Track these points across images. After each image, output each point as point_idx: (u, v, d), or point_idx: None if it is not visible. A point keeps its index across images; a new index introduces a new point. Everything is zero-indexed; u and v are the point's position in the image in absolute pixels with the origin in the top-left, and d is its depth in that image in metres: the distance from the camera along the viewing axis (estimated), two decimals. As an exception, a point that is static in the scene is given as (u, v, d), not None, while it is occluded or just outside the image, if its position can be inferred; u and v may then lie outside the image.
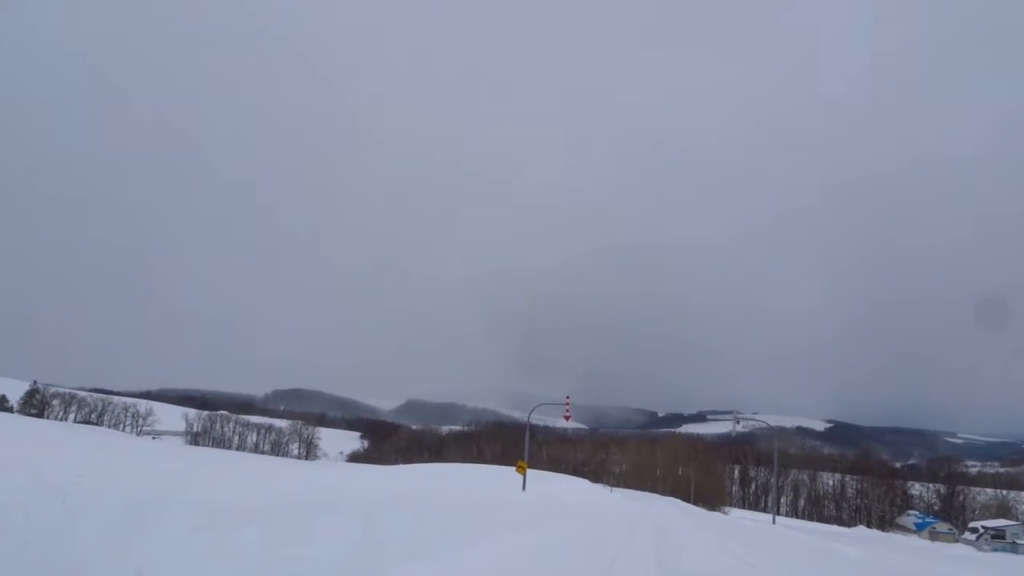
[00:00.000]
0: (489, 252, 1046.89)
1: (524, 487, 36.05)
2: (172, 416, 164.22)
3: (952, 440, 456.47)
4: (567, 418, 40.23)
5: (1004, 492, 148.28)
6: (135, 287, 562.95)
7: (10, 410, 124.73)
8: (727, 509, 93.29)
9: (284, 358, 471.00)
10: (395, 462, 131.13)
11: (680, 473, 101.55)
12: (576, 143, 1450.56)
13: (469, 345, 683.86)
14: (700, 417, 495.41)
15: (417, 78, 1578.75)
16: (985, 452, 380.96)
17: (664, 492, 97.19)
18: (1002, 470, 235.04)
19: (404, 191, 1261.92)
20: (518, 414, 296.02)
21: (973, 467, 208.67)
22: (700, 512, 49.78)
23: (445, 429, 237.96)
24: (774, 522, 33.77)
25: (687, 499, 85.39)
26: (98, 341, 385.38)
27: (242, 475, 10.05)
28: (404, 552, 10.10)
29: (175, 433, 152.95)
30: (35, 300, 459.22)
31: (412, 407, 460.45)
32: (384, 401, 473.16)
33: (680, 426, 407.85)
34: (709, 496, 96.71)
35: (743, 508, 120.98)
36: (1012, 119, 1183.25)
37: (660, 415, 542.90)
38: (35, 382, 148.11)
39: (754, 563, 15.42)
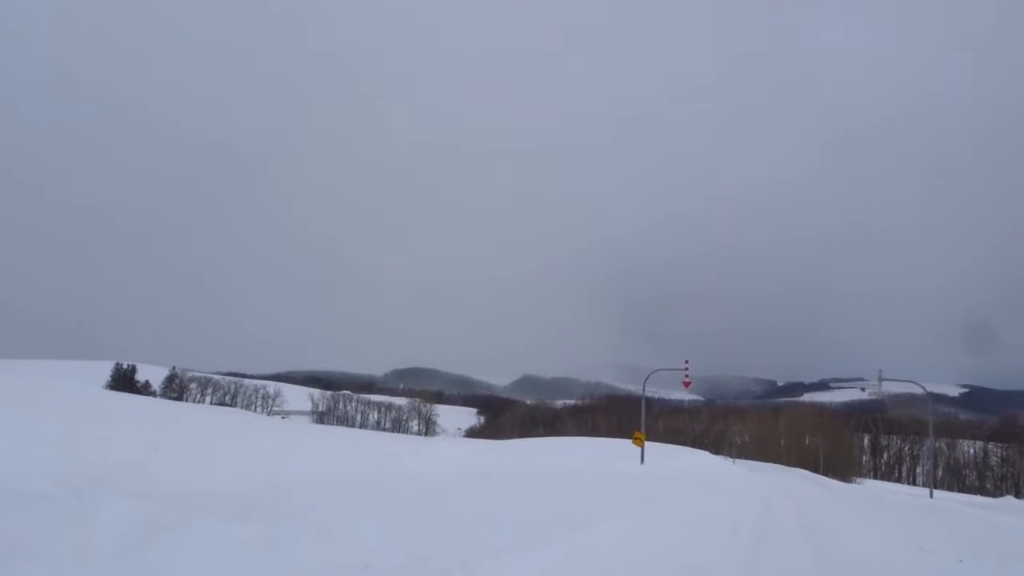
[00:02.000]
0: (597, 223, 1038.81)
1: (642, 460, 35.27)
2: (299, 396, 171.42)
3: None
4: (687, 384, 38.83)
5: None
6: (265, 277, 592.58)
7: (153, 394, 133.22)
8: (859, 480, 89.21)
9: (403, 338, 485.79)
10: (510, 437, 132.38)
11: (807, 443, 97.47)
12: (683, 94, 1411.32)
13: (580, 319, 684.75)
14: (822, 385, 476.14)
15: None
16: None
17: (789, 463, 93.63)
18: None
19: (508, 166, 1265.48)
20: (632, 387, 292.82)
21: None
22: (835, 484, 47.39)
23: (559, 403, 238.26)
24: (931, 495, 31.49)
25: (815, 470, 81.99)
26: (231, 328, 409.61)
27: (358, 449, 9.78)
28: (493, 544, 8.28)
29: (302, 413, 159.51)
30: (174, 291, 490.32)
31: (526, 382, 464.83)
32: (499, 377, 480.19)
33: (801, 395, 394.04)
34: (838, 467, 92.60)
35: (875, 479, 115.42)
36: None
37: (780, 384, 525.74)
38: (174, 367, 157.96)
39: (929, 549, 13.84)
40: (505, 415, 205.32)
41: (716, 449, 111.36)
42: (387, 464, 8.53)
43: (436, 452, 11.64)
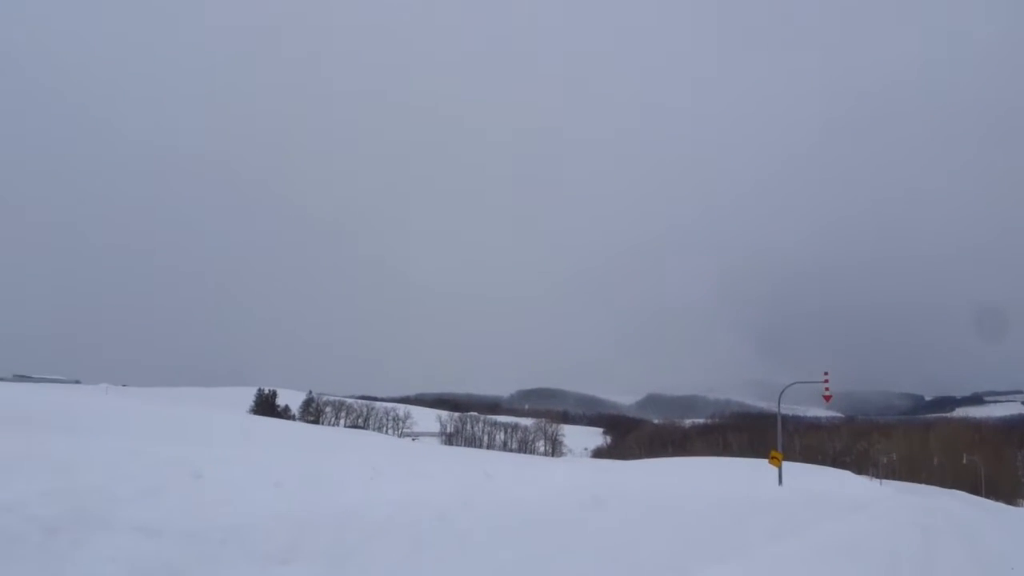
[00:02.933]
0: (728, 237, 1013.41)
1: (780, 481, 32.76)
2: (427, 418, 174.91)
3: None
4: (827, 398, 35.83)
5: None
6: (396, 303, 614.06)
7: (292, 418, 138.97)
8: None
9: (528, 359, 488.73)
10: (637, 457, 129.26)
11: (964, 462, 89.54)
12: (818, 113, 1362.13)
13: (708, 335, 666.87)
14: (976, 399, 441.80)
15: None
16: None
17: (943, 484, 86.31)
18: None
19: (644, 186, 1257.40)
20: (764, 404, 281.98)
21: None
22: (1002, 508, 42.72)
23: (687, 422, 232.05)
24: None
25: (974, 492, 75.06)
26: (365, 353, 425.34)
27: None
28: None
29: (431, 434, 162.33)
30: (310, 319, 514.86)
31: (652, 401, 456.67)
32: (625, 396, 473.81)
33: (952, 410, 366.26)
34: (1001, 488, 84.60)
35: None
36: None
37: (927, 399, 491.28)
38: (311, 392, 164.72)
39: None
40: (631, 434, 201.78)
41: (859, 469, 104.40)
42: (477, 488, 7.23)
43: (541, 474, 10.29)
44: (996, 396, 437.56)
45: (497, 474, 7.94)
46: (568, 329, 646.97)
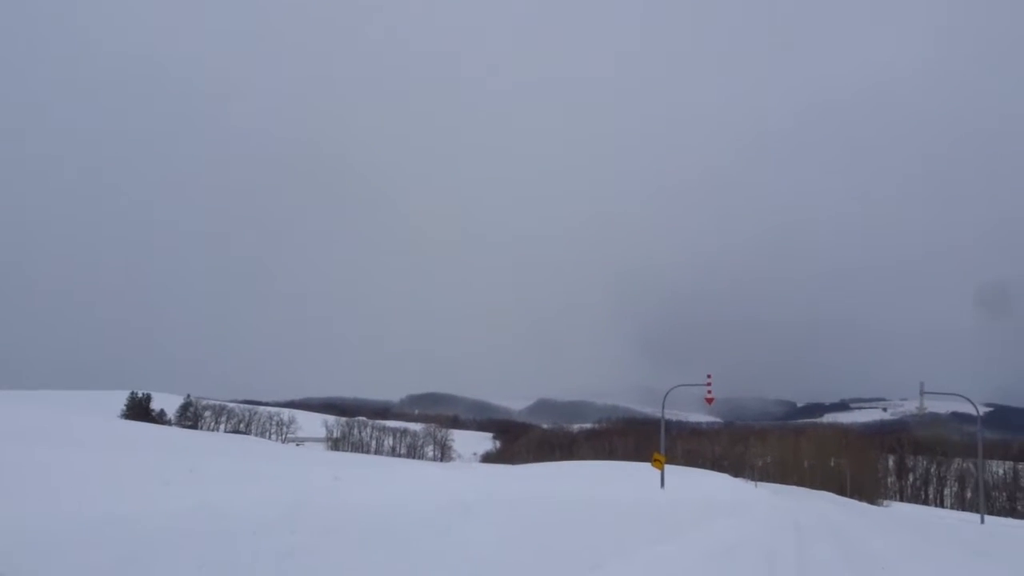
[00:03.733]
0: (617, 248, 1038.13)
1: (663, 484, 33.24)
2: (313, 423, 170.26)
3: None
4: (709, 400, 36.72)
5: None
6: (280, 302, 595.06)
7: (168, 422, 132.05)
8: (886, 503, 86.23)
9: (420, 364, 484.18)
10: (526, 461, 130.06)
11: (832, 465, 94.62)
12: (709, 130, 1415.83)
13: (598, 342, 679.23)
14: (843, 406, 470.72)
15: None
16: None
17: (812, 486, 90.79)
18: None
19: (534, 189, 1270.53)
20: (650, 409, 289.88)
21: None
22: (867, 508, 45.03)
23: (576, 427, 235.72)
24: (983, 520, 29.23)
25: (840, 493, 79.24)
26: (247, 356, 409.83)
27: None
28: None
29: (317, 440, 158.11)
30: (187, 318, 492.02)
31: (542, 406, 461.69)
32: (515, 401, 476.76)
33: (821, 416, 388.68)
34: (865, 489, 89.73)
35: (901, 501, 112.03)
36: None
37: (799, 405, 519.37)
38: (188, 395, 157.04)
39: None
40: (521, 439, 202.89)
41: (736, 472, 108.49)
42: (310, 494, 6.20)
43: (398, 478, 9.43)
44: (861, 403, 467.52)
45: (350, 478, 7.07)
46: (460, 334, 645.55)
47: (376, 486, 7.24)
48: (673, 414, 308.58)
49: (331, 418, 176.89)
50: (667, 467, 39.00)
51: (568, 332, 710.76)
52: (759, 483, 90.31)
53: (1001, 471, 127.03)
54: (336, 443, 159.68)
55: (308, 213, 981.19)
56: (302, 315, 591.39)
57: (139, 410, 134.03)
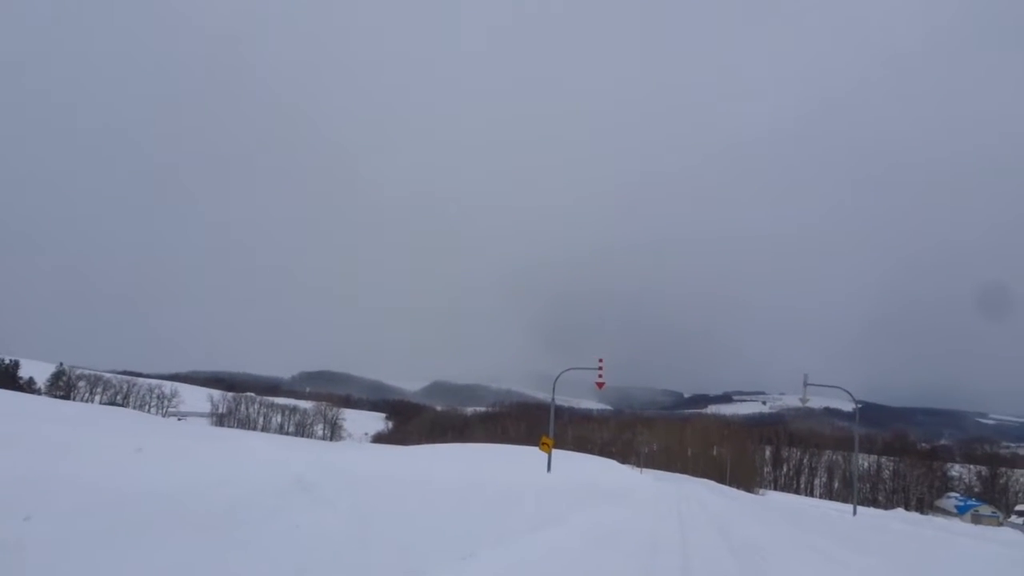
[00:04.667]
0: (518, 241, 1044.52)
1: (549, 468, 33.04)
2: (198, 398, 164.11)
3: (984, 421, 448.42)
4: (600, 384, 36.79)
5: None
6: (166, 270, 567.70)
7: (37, 392, 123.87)
8: (762, 491, 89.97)
9: (312, 341, 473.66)
10: (418, 443, 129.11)
11: (713, 454, 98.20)
12: (603, 139, 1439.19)
13: (495, 328, 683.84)
14: (726, 398, 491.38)
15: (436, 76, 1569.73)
16: (1019, 433, 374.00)
17: (695, 473, 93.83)
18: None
19: (432, 178, 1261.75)
20: (543, 395, 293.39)
21: (1008, 448, 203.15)
22: (743, 495, 46.52)
23: (469, 410, 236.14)
24: (855, 512, 30.42)
25: (719, 480, 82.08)
26: (127, 324, 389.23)
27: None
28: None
29: (200, 415, 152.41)
30: (62, 281, 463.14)
31: (437, 389, 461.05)
32: (410, 383, 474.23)
33: (706, 407, 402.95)
34: (742, 478, 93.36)
35: (775, 490, 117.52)
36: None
37: (686, 396, 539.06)
38: (61, 364, 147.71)
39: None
40: (414, 421, 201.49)
41: (623, 458, 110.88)
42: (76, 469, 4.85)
43: (231, 451, 8.18)
44: (743, 396, 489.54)
45: (154, 449, 5.86)
46: (358, 314, 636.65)
47: (195, 460, 6.04)
48: (565, 400, 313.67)
49: (217, 393, 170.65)
50: (556, 452, 38.94)
51: (467, 317, 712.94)
52: (644, 469, 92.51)
53: (866, 464, 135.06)
54: (221, 419, 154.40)
55: (205, 175, 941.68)
56: (191, 285, 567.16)
57: (6, 378, 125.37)
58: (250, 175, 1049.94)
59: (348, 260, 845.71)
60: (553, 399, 37.01)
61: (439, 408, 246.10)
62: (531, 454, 47.03)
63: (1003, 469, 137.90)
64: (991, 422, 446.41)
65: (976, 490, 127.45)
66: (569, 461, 50.44)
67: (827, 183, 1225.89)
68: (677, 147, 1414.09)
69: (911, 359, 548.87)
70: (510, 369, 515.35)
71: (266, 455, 7.49)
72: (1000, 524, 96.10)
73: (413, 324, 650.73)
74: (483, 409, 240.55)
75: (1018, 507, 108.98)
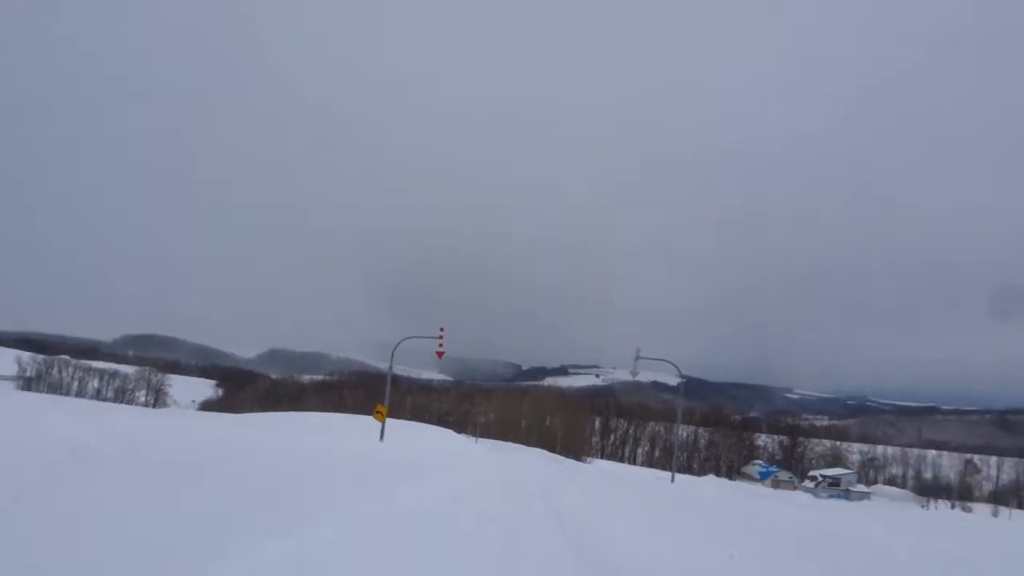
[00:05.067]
0: (364, 209, 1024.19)
1: (382, 437, 33.13)
2: (6, 359, 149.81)
3: (789, 395, 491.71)
4: (440, 354, 37.11)
5: (837, 443, 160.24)
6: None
7: None
8: (591, 459, 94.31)
9: (138, 302, 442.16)
10: (251, 411, 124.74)
11: (547, 424, 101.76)
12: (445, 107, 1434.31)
13: (336, 295, 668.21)
14: (563, 371, 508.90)
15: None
16: (817, 407, 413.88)
17: (529, 443, 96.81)
18: (831, 423, 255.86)
19: (282, 138, 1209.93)
20: (384, 364, 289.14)
21: (807, 420, 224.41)
22: (572, 464, 48.63)
23: (307, 378, 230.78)
24: (673, 480, 32.56)
25: (551, 450, 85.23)
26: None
27: None
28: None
29: (5, 378, 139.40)
30: None
31: (274, 356, 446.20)
32: (244, 349, 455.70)
33: (543, 379, 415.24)
34: (573, 447, 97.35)
35: (603, 458, 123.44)
36: None
37: (524, 368, 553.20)
38: None
39: (693, 541, 12.49)
40: (247, 388, 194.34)
41: (460, 428, 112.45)
42: None
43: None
44: (578, 369, 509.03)
45: None
46: (188, 274, 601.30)
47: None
48: (406, 370, 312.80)
49: (26, 355, 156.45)
50: (393, 421, 39.03)
51: (306, 283, 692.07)
52: (480, 439, 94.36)
53: (685, 434, 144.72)
54: (29, 383, 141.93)
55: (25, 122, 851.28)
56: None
57: None
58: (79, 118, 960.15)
59: (183, 217, 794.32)
60: (391, 367, 37.03)
61: (274, 376, 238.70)
62: (365, 423, 46.80)
63: (802, 439, 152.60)
64: (795, 396, 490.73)
65: (778, 458, 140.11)
66: (405, 431, 50.67)
67: (665, 168, 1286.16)
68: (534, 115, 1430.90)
69: (731, 339, 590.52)
70: (351, 337, 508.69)
71: (39, 420, 6.77)
72: (795, 488, 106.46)
73: (250, 288, 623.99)
74: (321, 377, 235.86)
75: (811, 472, 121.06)
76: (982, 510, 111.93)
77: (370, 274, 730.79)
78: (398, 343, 36.17)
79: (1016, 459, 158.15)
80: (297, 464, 11.73)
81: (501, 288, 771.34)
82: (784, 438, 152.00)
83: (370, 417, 44.88)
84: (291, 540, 7.75)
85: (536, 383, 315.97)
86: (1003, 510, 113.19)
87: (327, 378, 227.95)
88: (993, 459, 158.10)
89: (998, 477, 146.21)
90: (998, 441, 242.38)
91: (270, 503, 9.01)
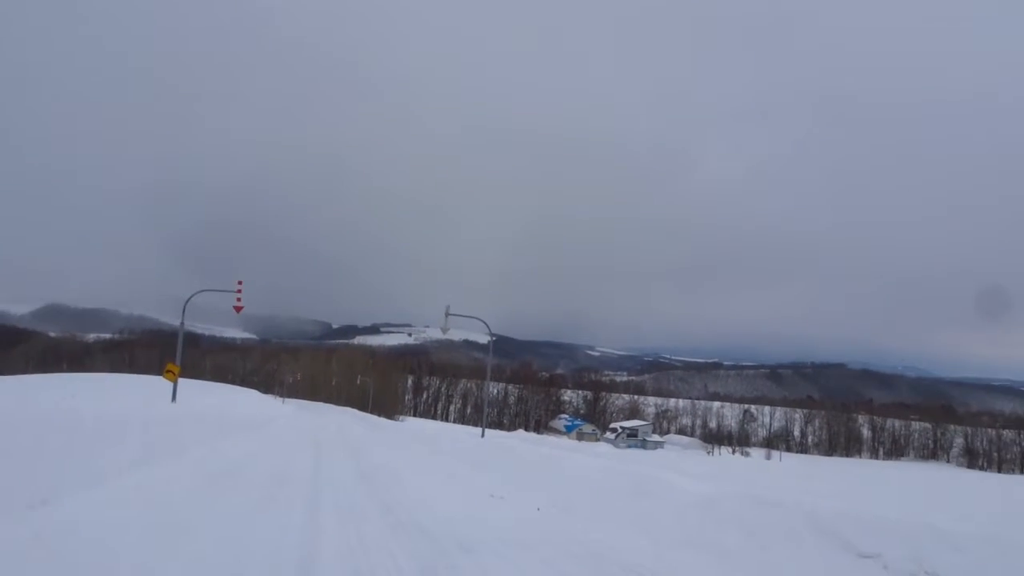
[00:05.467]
0: (164, 159, 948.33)
1: (174, 398, 30.01)
2: None
3: (592, 353, 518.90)
4: (238, 308, 34.09)
5: (635, 397, 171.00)
6: None
7: None
8: (402, 417, 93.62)
9: None
10: (24, 372, 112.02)
11: (358, 383, 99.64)
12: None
13: (127, 250, 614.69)
14: (374, 329, 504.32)
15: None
16: (617, 364, 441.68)
17: (339, 402, 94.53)
18: (630, 379, 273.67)
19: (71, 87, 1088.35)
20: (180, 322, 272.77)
21: (609, 376, 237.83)
22: (384, 422, 47.41)
23: (92, 337, 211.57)
24: (483, 435, 32.11)
25: (363, 409, 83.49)
26: None
27: None
28: None
29: None
30: None
31: (52, 312, 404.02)
32: (17, 305, 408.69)
33: (354, 338, 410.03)
34: (386, 405, 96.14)
35: (415, 416, 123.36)
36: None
37: (335, 326, 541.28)
38: None
39: (500, 495, 11.88)
40: (19, 348, 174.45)
41: (266, 388, 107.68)
42: None
43: None
44: (391, 328, 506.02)
45: None
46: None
47: None
48: (206, 328, 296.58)
49: None
50: (191, 382, 35.80)
51: (92, 234, 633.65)
52: (288, 399, 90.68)
53: (496, 391, 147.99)
54: None
55: None
56: None
57: None
58: None
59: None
60: (183, 323, 33.78)
61: (53, 334, 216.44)
62: (156, 384, 42.89)
63: (604, 394, 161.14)
64: (597, 354, 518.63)
65: (582, 412, 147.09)
66: (204, 391, 47.06)
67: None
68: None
69: (540, 300, 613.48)
70: (143, 293, 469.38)
71: None
72: (597, 440, 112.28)
73: (24, 241, 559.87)
74: (109, 336, 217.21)
75: (612, 425, 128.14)
76: (758, 454, 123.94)
77: (168, 229, 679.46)
78: (190, 296, 32.82)
79: (785, 408, 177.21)
80: (66, 427, 10.03)
81: (311, 246, 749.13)
82: (588, 393, 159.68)
83: (161, 377, 40.95)
84: (60, 510, 7.04)
85: (347, 342, 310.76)
86: (775, 453, 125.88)
87: (116, 336, 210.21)
88: (767, 408, 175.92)
89: (771, 424, 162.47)
90: (771, 393, 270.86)
91: (35, 471, 7.99)
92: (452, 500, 11.36)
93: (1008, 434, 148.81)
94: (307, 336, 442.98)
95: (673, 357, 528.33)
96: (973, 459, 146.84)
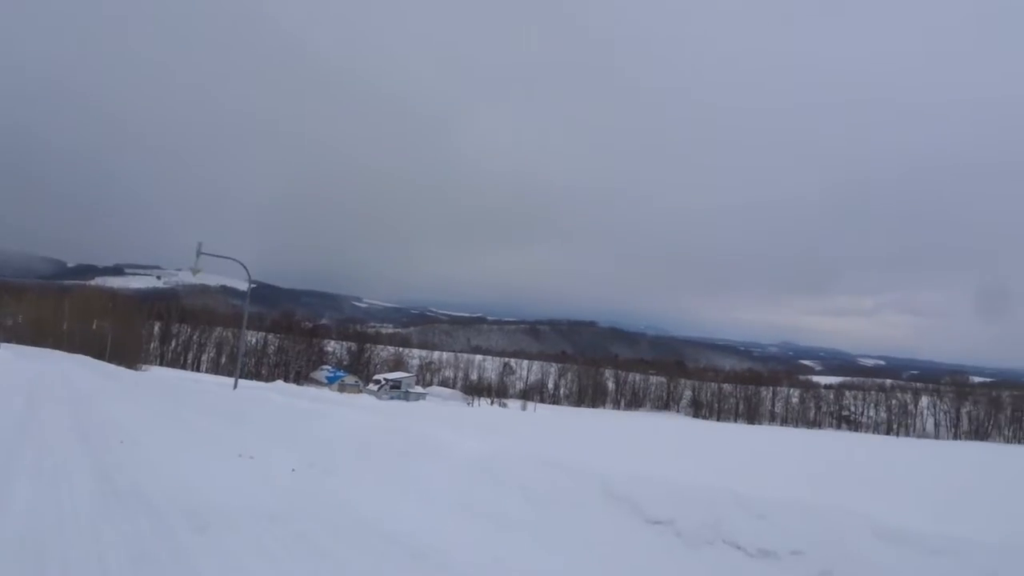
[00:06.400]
0: None
1: None
2: None
3: (358, 304, 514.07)
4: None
5: (400, 349, 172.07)
6: None
7: None
8: (146, 367, 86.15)
9: None
10: None
11: (94, 328, 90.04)
12: None
13: None
14: (118, 270, 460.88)
15: None
16: (383, 315, 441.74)
17: (71, 349, 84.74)
18: (396, 331, 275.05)
19: None
20: None
21: (375, 328, 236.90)
22: (121, 372, 42.83)
23: None
24: (236, 386, 29.72)
25: (99, 357, 75.56)
26: None
27: None
28: None
29: None
30: None
31: None
32: None
33: (93, 278, 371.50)
34: (127, 354, 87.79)
35: (162, 365, 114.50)
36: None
37: (70, 265, 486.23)
38: None
39: (251, 454, 10.56)
40: None
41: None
42: None
43: None
44: (136, 269, 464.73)
45: None
46: None
47: None
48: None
49: None
50: None
51: None
52: (6, 344, 79.95)
53: (254, 340, 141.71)
54: None
55: None
56: None
57: None
58: None
59: None
60: None
61: None
62: None
63: (369, 345, 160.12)
64: (364, 305, 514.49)
65: (346, 363, 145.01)
66: None
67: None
68: None
69: (305, 247, 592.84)
70: None
71: None
72: (359, 391, 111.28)
73: None
74: None
75: (375, 376, 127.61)
76: (514, 405, 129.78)
77: None
78: None
79: (542, 362, 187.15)
80: None
81: (41, 174, 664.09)
82: (352, 344, 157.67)
83: None
84: None
85: (83, 282, 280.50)
86: (530, 404, 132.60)
87: None
88: (525, 362, 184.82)
89: (527, 377, 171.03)
90: (529, 347, 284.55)
91: None
92: (191, 462, 9.93)
93: (727, 387, 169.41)
94: (36, 275, 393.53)
95: (440, 311, 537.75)
96: (698, 409, 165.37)
